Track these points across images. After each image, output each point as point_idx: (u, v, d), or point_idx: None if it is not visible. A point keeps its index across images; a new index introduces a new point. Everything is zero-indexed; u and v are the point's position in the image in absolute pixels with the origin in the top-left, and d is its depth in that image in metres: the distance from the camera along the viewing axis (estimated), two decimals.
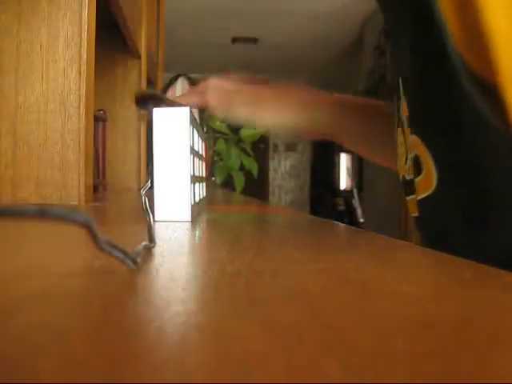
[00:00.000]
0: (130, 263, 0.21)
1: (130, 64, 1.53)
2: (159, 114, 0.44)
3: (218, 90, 0.56)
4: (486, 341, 0.13)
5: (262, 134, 2.30)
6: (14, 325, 0.13)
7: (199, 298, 0.17)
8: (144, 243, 0.25)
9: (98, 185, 1.27)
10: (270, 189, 6.10)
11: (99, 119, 1.29)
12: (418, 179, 0.43)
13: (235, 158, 2.18)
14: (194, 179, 0.49)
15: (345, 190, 6.05)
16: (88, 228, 0.18)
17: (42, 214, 0.15)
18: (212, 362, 0.11)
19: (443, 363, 0.11)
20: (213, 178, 2.16)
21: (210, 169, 2.03)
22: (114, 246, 0.20)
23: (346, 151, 6.45)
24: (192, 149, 0.47)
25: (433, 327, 0.14)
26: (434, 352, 0.12)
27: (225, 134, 2.16)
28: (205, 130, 1.73)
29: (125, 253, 0.21)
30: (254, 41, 4.67)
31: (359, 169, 5.26)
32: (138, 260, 0.22)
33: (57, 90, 0.75)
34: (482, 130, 0.35)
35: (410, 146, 0.43)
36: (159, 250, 0.27)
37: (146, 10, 1.64)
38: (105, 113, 1.35)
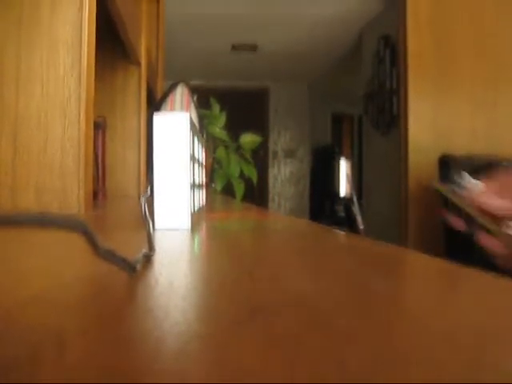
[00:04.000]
0: (130, 271, 0.21)
1: (130, 71, 1.54)
2: (159, 120, 0.44)
3: None
4: None
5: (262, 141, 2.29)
6: (15, 332, 0.13)
7: (199, 307, 0.17)
8: (144, 251, 0.25)
9: (98, 192, 1.26)
10: (270, 196, 6.10)
11: (99, 126, 1.29)
12: None
13: (235, 165, 2.18)
14: (194, 186, 0.49)
15: (344, 197, 6.05)
16: (87, 236, 0.18)
17: (42, 222, 0.15)
18: (212, 371, 0.11)
19: None
20: (212, 185, 2.16)
21: (210, 176, 2.03)
22: (114, 254, 0.20)
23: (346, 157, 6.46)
24: (192, 156, 0.47)
25: None
26: None
27: (225, 141, 2.16)
28: (204, 136, 1.73)
29: (124, 261, 0.21)
30: (254, 48, 4.69)
31: (359, 175, 5.26)
32: (138, 268, 0.22)
33: (57, 96, 0.75)
34: None
35: None
36: (159, 257, 0.27)
37: (146, 18, 1.65)
38: (104, 120, 1.35)
